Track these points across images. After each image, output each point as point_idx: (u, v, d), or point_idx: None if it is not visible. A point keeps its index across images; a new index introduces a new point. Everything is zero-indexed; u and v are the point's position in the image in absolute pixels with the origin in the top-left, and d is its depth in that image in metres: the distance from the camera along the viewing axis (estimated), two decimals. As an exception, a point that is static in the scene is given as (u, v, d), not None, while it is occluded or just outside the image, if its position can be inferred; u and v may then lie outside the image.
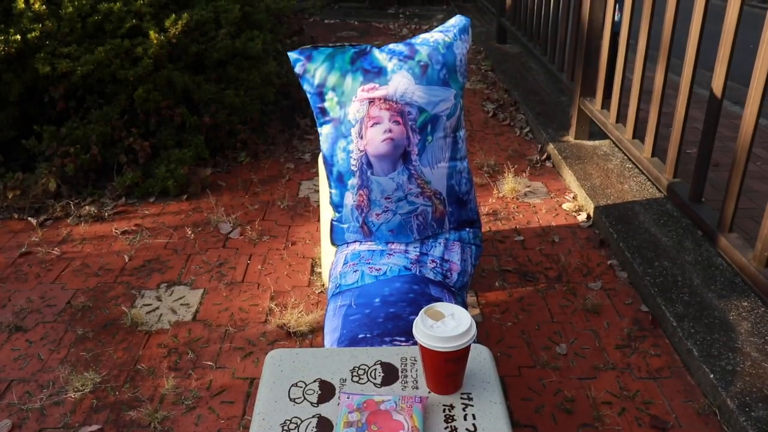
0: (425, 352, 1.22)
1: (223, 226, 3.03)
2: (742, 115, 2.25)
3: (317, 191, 3.36)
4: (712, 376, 1.98)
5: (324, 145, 2.07)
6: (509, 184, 3.31)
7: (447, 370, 1.23)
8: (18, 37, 3.17)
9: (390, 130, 1.95)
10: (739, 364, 2.03)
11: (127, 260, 2.78)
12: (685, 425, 1.92)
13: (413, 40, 2.08)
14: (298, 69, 2.04)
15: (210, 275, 2.66)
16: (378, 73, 2.00)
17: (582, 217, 3.08)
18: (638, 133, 3.16)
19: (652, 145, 2.98)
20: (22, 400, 2.03)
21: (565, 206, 3.18)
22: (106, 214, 3.16)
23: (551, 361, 2.18)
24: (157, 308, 2.46)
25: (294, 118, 4.31)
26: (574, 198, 3.26)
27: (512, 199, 3.27)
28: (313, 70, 2.03)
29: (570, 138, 3.80)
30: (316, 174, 3.59)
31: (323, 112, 2.03)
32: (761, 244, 2.15)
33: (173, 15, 3.46)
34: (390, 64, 2.01)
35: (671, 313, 2.27)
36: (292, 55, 2.03)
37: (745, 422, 1.82)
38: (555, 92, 4.65)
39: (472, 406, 1.24)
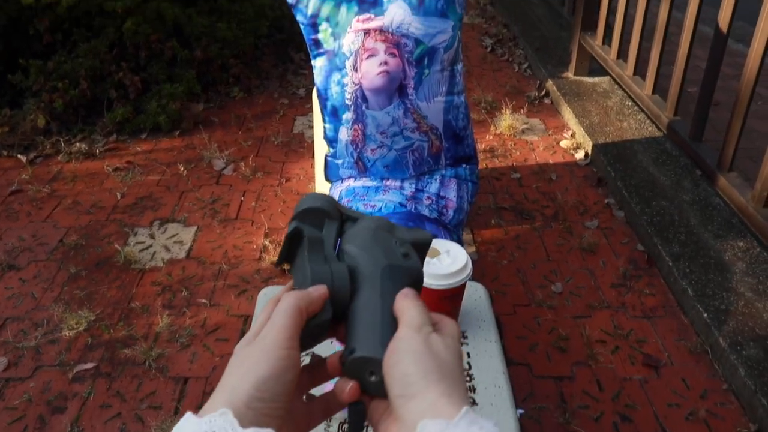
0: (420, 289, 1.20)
1: (216, 163, 2.99)
2: (747, 52, 2.18)
3: (312, 127, 3.30)
4: (705, 315, 1.99)
5: (318, 78, 2.01)
6: (507, 120, 3.25)
7: (442, 307, 1.22)
8: (-1, -35, 3.05)
9: (386, 63, 1.89)
10: (733, 303, 2.03)
11: (119, 197, 2.75)
12: (677, 363, 1.93)
13: (410, -31, 1.99)
14: (290, -1, 1.96)
15: (203, 212, 2.63)
16: (373, 3, 1.92)
17: (580, 155, 3.04)
18: (639, 70, 3.09)
19: (653, 83, 2.91)
20: (17, 338, 2.03)
21: (563, 144, 3.14)
22: (97, 150, 3.11)
23: (546, 300, 2.18)
24: (151, 246, 2.44)
25: (288, 53, 4.20)
26: (572, 135, 3.21)
27: (509, 136, 3.22)
28: (307, 1, 1.95)
29: (569, 74, 3.72)
30: (311, 109, 3.51)
31: (317, 43, 1.96)
32: (761, 183, 2.13)
33: (161, -57, 3.33)
34: (386, -5, 1.92)
35: (667, 252, 2.26)
36: (284, -15, 1.95)
37: (735, 360, 1.83)
38: (555, 27, 4.54)
39: (467, 344, 1.24)
